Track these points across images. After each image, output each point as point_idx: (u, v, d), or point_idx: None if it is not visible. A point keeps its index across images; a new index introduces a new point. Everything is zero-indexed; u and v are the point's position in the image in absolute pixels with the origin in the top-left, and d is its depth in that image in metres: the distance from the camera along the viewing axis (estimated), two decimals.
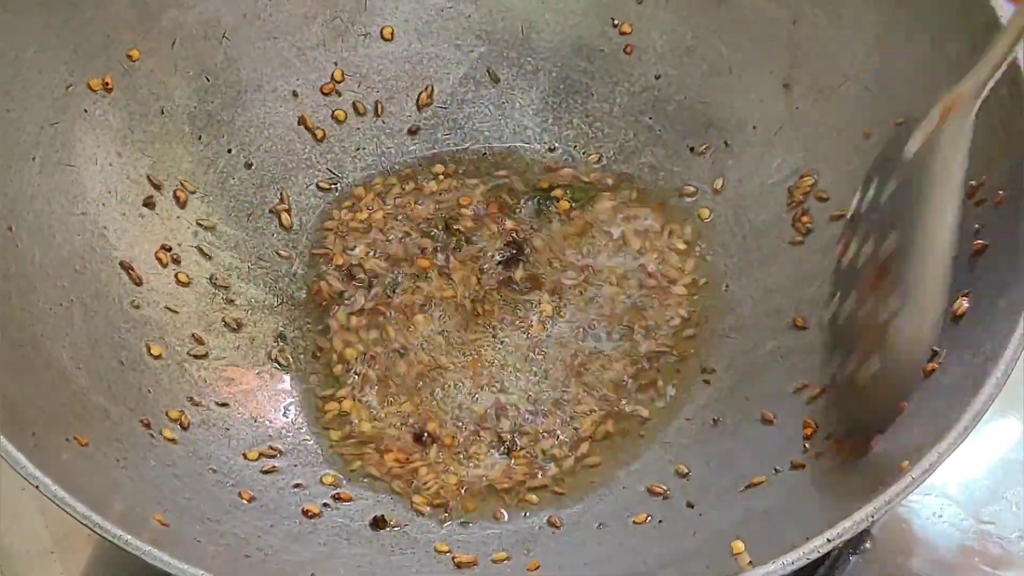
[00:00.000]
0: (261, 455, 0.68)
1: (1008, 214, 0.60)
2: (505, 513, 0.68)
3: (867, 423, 0.58)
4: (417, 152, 0.81)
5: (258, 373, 0.73)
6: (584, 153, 0.81)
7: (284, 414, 0.72)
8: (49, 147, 0.69)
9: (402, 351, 0.74)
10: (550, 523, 0.67)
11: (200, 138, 0.76)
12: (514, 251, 0.77)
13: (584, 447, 0.71)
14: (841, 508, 0.53)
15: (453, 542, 0.66)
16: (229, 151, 0.77)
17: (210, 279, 0.74)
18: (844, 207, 0.71)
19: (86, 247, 0.69)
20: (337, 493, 0.68)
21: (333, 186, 0.79)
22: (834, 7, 0.72)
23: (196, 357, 0.71)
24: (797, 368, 0.69)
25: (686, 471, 0.68)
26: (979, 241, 0.61)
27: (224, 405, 0.70)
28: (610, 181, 0.80)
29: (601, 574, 0.62)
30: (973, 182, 0.62)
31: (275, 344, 0.74)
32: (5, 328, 0.62)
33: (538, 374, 0.73)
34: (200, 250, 0.75)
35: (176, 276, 0.73)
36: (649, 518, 0.65)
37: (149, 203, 0.73)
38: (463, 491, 0.69)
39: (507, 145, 0.81)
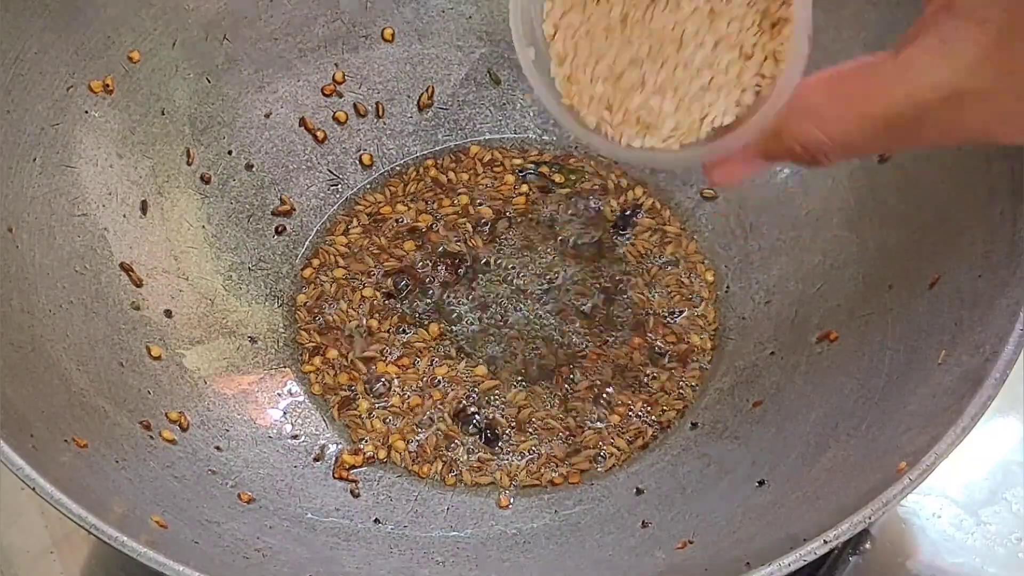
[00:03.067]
0: (260, 455, 0.68)
1: (1007, 214, 0.60)
2: (505, 512, 0.68)
3: None
4: (418, 152, 0.81)
5: (258, 374, 0.73)
6: (584, 154, 0.81)
7: (284, 415, 0.72)
8: (50, 148, 0.69)
9: (402, 352, 0.74)
10: (550, 523, 0.67)
11: (201, 140, 0.76)
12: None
13: (584, 447, 0.71)
14: (839, 509, 0.53)
15: (452, 540, 0.66)
16: (230, 152, 0.77)
17: (210, 280, 0.74)
18: (845, 208, 0.72)
19: (86, 248, 0.69)
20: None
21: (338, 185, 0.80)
22: (834, 7, 0.72)
23: (196, 358, 0.71)
24: (798, 370, 0.69)
25: (685, 473, 0.68)
26: None
27: (224, 406, 0.70)
28: None
29: (601, 575, 0.62)
30: None
31: (275, 345, 0.74)
32: (5, 329, 0.62)
33: (550, 379, 0.73)
34: (200, 251, 0.75)
35: (177, 277, 0.73)
36: (648, 520, 0.65)
37: (148, 205, 0.73)
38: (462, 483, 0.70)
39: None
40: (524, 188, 0.80)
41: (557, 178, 0.80)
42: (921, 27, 0.47)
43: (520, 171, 0.80)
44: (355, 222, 0.79)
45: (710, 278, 0.76)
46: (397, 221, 0.79)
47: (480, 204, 0.79)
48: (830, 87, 0.49)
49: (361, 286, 0.76)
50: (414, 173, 0.81)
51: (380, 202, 0.80)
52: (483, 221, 0.78)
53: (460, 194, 0.79)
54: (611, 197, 0.79)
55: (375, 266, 0.77)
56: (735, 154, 0.52)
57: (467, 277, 0.77)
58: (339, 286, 0.76)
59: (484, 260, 0.77)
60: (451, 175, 0.80)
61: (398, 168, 0.81)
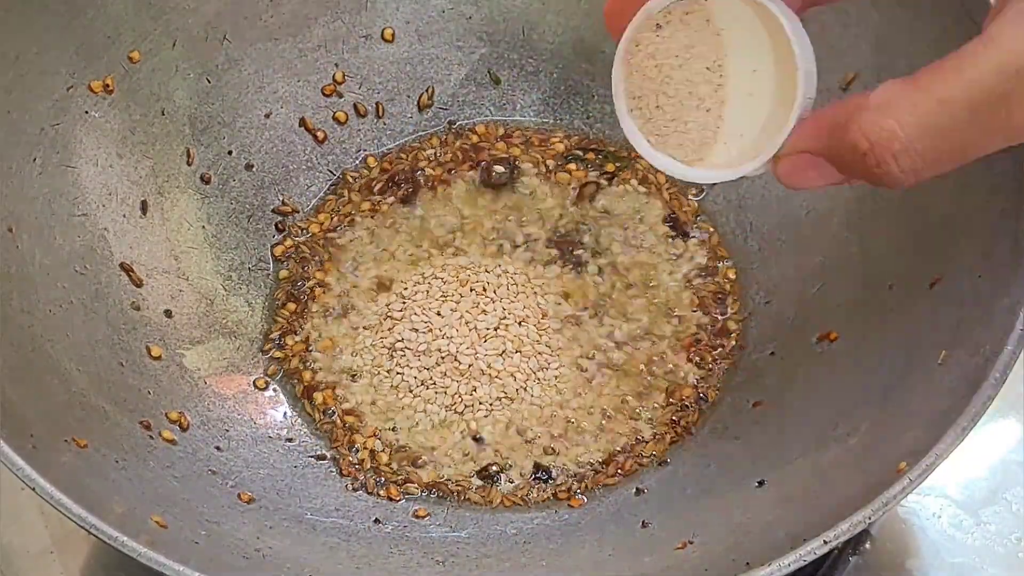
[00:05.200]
0: (260, 455, 0.68)
1: (1008, 214, 0.60)
2: (505, 512, 0.68)
3: None
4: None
5: (258, 374, 0.73)
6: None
7: (284, 415, 0.72)
8: (50, 148, 0.69)
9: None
10: (550, 524, 0.67)
11: (201, 140, 0.76)
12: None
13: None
14: (839, 509, 0.53)
15: (452, 540, 0.66)
16: (230, 153, 0.77)
17: (210, 280, 0.74)
18: (845, 208, 0.71)
19: (86, 248, 0.69)
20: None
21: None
22: (836, 7, 0.72)
23: (196, 358, 0.71)
24: (798, 370, 0.69)
25: (685, 473, 0.68)
26: None
27: (224, 406, 0.70)
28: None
29: (601, 575, 0.62)
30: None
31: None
32: (5, 329, 0.62)
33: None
34: (200, 251, 0.75)
35: (177, 277, 0.73)
36: (648, 520, 0.65)
37: (148, 205, 0.73)
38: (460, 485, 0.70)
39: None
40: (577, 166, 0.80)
41: (609, 167, 0.80)
42: (1002, 3, 0.45)
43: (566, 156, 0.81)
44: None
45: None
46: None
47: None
48: (906, 81, 0.45)
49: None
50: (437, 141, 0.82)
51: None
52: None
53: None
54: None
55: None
56: (802, 158, 0.50)
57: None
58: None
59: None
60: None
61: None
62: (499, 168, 0.79)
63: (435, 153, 0.80)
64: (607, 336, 0.74)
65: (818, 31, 0.72)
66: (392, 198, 0.79)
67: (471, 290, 0.74)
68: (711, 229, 0.77)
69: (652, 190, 0.79)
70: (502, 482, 0.69)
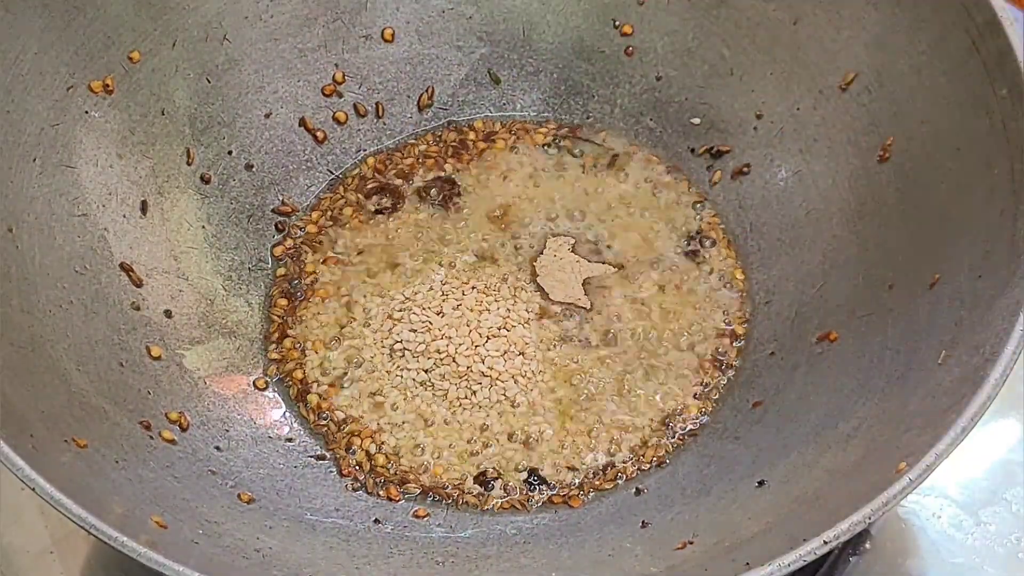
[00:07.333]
0: (260, 455, 0.68)
1: (1007, 214, 0.60)
2: (505, 512, 0.68)
3: None
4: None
5: (258, 374, 0.73)
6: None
7: (284, 415, 0.72)
8: (50, 148, 0.69)
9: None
10: (549, 524, 0.67)
11: (201, 140, 0.76)
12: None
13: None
14: (839, 509, 0.53)
15: (452, 540, 0.66)
16: (230, 153, 0.77)
17: (210, 280, 0.74)
18: (845, 208, 0.72)
19: (86, 248, 0.69)
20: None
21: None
22: (834, 7, 0.72)
23: (196, 358, 0.71)
24: (798, 370, 0.69)
25: (685, 473, 0.68)
26: None
27: (224, 406, 0.70)
28: None
29: (601, 575, 0.62)
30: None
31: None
32: (5, 329, 0.62)
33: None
34: (200, 251, 0.75)
35: (177, 277, 0.73)
36: (648, 520, 0.65)
37: (148, 205, 0.73)
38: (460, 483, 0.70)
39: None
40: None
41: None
42: None
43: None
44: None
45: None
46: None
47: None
48: None
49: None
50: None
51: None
52: None
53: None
54: None
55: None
56: None
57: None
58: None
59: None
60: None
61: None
62: (432, 191, 0.79)
63: (427, 149, 0.80)
64: (611, 339, 0.73)
65: (814, 33, 0.73)
66: (388, 197, 0.79)
67: (473, 288, 0.74)
68: (716, 222, 0.77)
69: (655, 187, 0.79)
70: (498, 488, 0.69)
